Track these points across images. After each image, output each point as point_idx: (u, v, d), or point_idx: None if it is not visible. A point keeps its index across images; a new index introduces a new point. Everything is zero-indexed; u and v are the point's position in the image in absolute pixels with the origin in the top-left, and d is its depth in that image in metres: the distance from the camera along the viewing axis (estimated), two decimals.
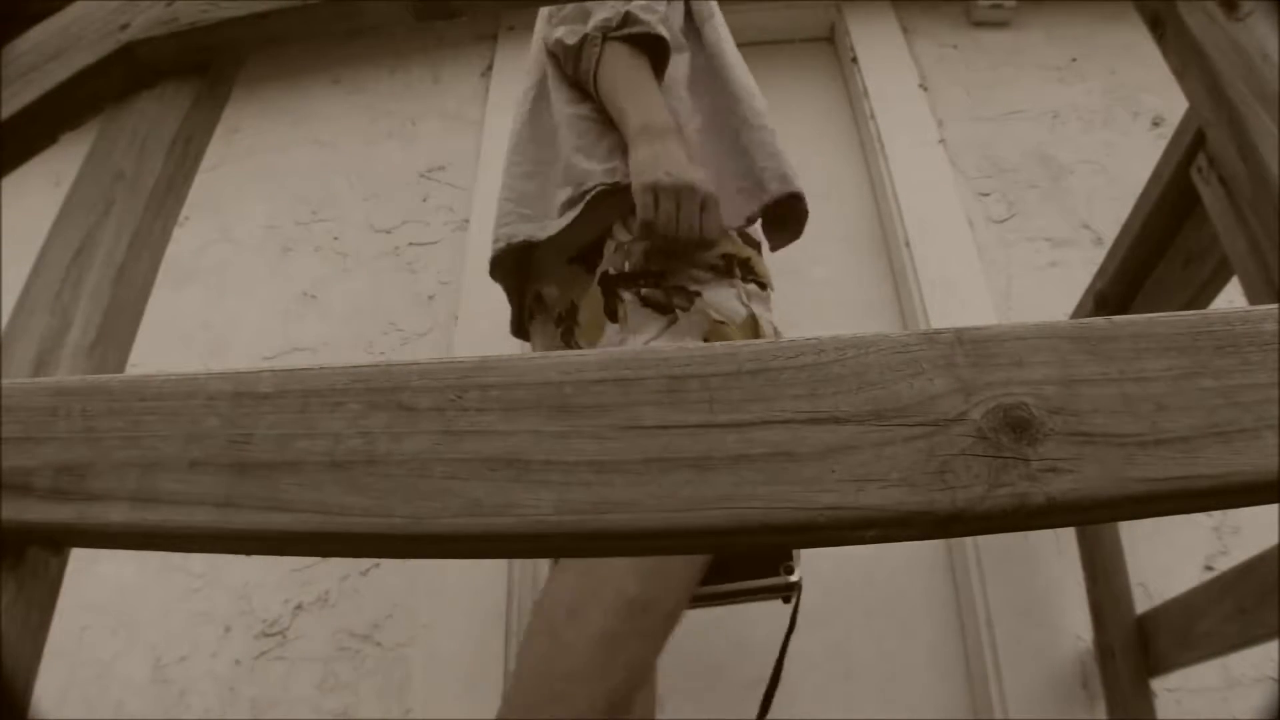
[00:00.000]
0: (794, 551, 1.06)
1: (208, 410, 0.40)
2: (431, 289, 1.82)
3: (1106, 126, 1.86)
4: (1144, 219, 0.98)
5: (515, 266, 1.05)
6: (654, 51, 0.99)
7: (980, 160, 1.82)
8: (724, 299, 0.92)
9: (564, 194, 0.97)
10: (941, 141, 1.85)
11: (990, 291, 1.62)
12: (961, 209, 1.74)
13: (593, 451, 0.36)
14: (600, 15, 0.98)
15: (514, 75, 2.05)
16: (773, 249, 1.10)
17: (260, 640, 1.44)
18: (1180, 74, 0.55)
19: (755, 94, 1.10)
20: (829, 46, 2.18)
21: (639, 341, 0.89)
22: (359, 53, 2.23)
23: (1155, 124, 1.84)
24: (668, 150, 0.91)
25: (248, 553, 0.39)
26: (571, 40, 0.99)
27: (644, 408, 0.37)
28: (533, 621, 0.82)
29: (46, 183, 1.45)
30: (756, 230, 1.05)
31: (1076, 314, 1.26)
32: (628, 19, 0.97)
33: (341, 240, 1.94)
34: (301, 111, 2.18)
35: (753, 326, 0.92)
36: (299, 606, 1.46)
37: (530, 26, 2.06)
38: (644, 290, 0.91)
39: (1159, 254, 1.00)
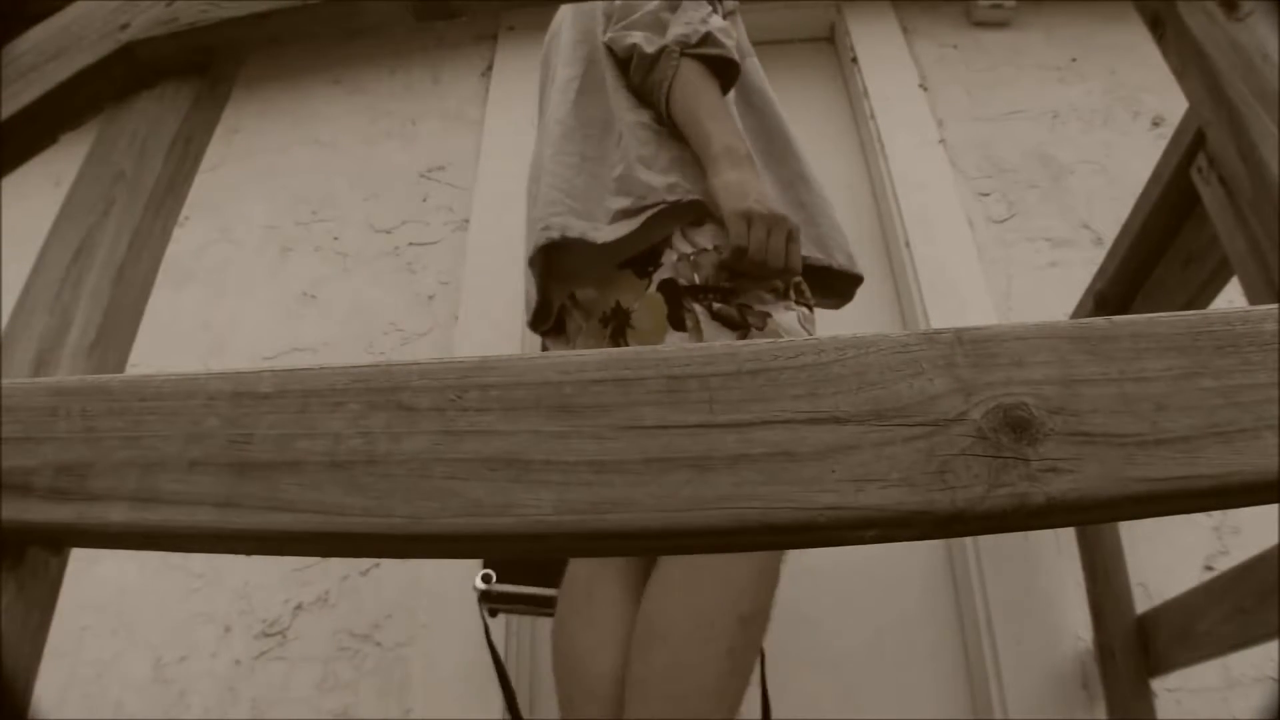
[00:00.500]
0: None
1: (208, 410, 0.40)
2: (431, 289, 1.82)
3: (1106, 126, 1.86)
4: (1144, 219, 0.98)
5: (549, 259, 1.05)
6: (723, 75, 1.01)
7: (980, 160, 1.82)
8: (790, 321, 0.94)
9: (621, 202, 0.97)
10: (941, 141, 1.85)
11: (990, 291, 1.62)
12: (961, 209, 1.74)
13: (593, 451, 0.36)
14: (679, 30, 0.99)
15: (514, 75, 2.06)
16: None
17: (260, 640, 1.44)
18: (1180, 74, 0.55)
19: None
20: (829, 46, 2.18)
21: None
22: (359, 53, 2.23)
23: (1155, 124, 1.84)
24: (752, 179, 0.93)
25: (248, 553, 0.39)
26: (650, 49, 0.99)
27: (644, 408, 0.37)
28: (645, 640, 0.84)
29: (46, 183, 1.45)
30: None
31: (1076, 314, 1.26)
32: (708, 39, 0.99)
33: (341, 240, 1.94)
34: (301, 111, 2.18)
35: None
36: (299, 606, 1.46)
37: (531, 26, 2.07)
38: (716, 305, 0.93)
39: (1159, 254, 1.00)
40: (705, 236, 0.96)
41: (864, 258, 1.12)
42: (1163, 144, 0.90)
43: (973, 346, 0.36)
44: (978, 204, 1.76)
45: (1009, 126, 1.88)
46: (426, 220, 1.93)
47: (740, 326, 0.92)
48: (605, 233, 0.96)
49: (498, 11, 2.02)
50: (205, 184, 0.88)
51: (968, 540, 1.36)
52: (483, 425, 0.37)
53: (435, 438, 0.37)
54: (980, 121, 1.89)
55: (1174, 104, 0.69)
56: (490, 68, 2.15)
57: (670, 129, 1.01)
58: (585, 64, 1.12)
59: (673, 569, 0.86)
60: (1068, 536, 1.32)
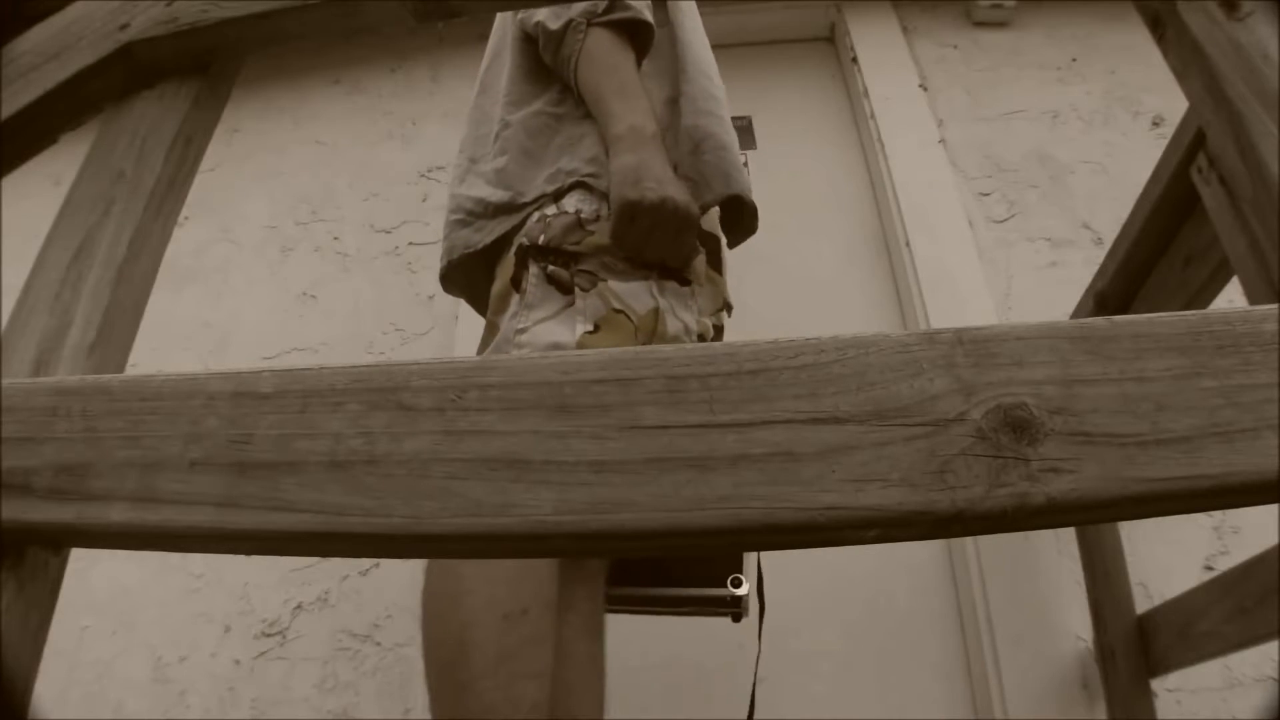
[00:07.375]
0: (746, 562, 0.99)
1: (208, 410, 0.40)
2: (431, 289, 1.81)
3: (1106, 126, 1.86)
4: (1144, 219, 0.98)
5: (484, 268, 1.01)
6: (637, 36, 0.97)
7: (980, 160, 1.83)
8: (631, 290, 0.89)
9: (500, 195, 0.95)
10: (941, 141, 1.85)
11: (990, 291, 1.62)
12: (961, 209, 1.74)
13: (593, 451, 0.36)
14: (586, 2, 0.94)
15: None
16: (729, 246, 1.07)
17: (260, 640, 1.44)
18: (1180, 74, 0.55)
19: (710, 73, 1.07)
20: (829, 46, 2.18)
21: (533, 318, 0.87)
22: (359, 53, 2.23)
23: (1155, 124, 1.84)
24: (650, 161, 0.88)
25: (248, 553, 0.39)
26: (554, 25, 0.95)
27: (644, 408, 0.37)
28: (426, 655, 0.81)
29: (46, 183, 1.45)
30: (710, 218, 1.03)
31: (1076, 314, 1.26)
32: (614, 4, 0.94)
33: (341, 240, 1.94)
34: (301, 111, 2.18)
35: (654, 320, 0.88)
36: (299, 606, 1.46)
37: None
38: (551, 267, 0.89)
39: (1159, 254, 1.00)
40: (573, 200, 0.92)
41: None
42: (1163, 144, 0.90)
43: (973, 346, 0.36)
44: (978, 204, 1.76)
45: (1009, 126, 1.88)
46: (426, 220, 1.93)
47: (569, 290, 0.88)
48: (486, 232, 0.95)
49: (498, 12, 2.01)
50: (205, 184, 0.88)
51: (968, 540, 1.36)
52: (483, 425, 0.37)
53: (435, 438, 0.37)
54: (980, 121, 1.89)
55: (1174, 104, 0.69)
56: None
57: (575, 106, 0.97)
58: (490, 58, 1.10)
59: None
60: (1068, 536, 1.32)
